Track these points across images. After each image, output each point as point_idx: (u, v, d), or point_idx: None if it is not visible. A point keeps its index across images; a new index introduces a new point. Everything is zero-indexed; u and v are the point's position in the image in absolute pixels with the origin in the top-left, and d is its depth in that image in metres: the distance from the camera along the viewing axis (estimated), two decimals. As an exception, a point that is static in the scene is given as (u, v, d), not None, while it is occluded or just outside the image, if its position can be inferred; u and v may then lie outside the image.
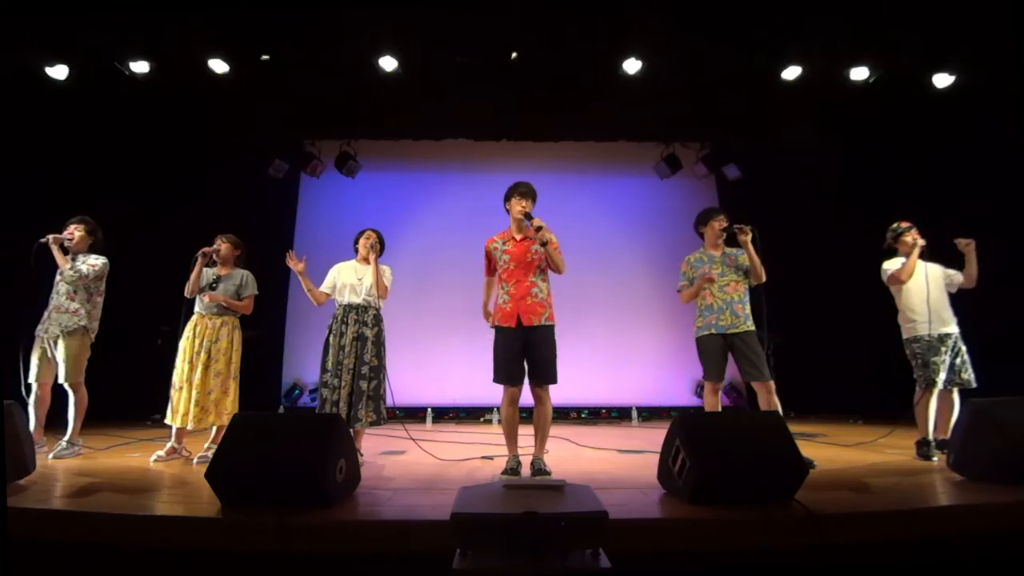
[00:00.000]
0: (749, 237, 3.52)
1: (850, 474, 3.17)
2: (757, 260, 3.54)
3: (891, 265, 3.83)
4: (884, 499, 2.61)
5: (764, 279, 3.58)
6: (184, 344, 3.70)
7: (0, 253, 4.30)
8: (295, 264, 3.71)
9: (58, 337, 3.77)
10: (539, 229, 3.19)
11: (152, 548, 2.15)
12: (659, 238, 6.78)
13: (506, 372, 3.20)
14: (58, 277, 3.87)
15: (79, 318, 3.81)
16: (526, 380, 3.25)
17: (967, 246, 3.70)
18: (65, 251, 3.84)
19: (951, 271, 3.82)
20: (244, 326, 3.92)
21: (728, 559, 2.14)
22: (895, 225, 3.88)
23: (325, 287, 3.79)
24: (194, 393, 3.59)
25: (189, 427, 3.59)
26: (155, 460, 3.54)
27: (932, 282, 3.72)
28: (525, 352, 3.21)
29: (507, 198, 3.42)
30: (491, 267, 3.45)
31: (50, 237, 3.78)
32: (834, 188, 6.58)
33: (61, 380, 3.78)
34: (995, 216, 5.04)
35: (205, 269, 3.79)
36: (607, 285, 7.00)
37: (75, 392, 3.79)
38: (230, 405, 3.69)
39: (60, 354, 3.76)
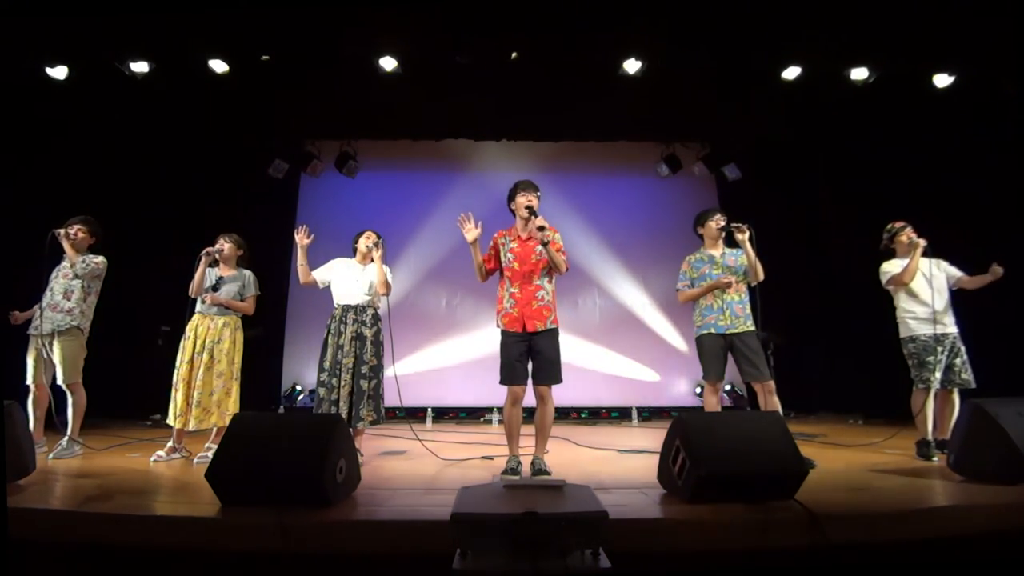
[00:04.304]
0: (747, 236, 3.51)
1: (850, 474, 3.17)
2: (755, 259, 3.54)
3: (890, 267, 3.80)
4: (884, 499, 2.61)
5: (762, 278, 3.57)
6: (185, 344, 3.69)
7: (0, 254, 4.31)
8: (302, 239, 3.70)
9: (52, 337, 3.77)
10: (541, 229, 3.12)
11: (152, 548, 2.15)
12: (659, 238, 6.78)
13: (511, 374, 3.18)
14: (53, 275, 3.87)
15: (72, 317, 3.81)
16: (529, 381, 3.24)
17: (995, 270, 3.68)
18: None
19: (952, 269, 3.80)
20: (246, 325, 3.92)
21: (728, 559, 2.14)
22: (889, 226, 3.87)
23: (317, 273, 3.79)
24: (195, 394, 3.59)
25: (191, 427, 3.58)
26: (155, 460, 3.54)
27: (933, 280, 3.71)
28: (530, 354, 3.21)
29: (511, 197, 3.37)
30: (492, 258, 3.34)
31: (60, 231, 3.81)
32: (834, 188, 6.59)
33: (59, 381, 3.78)
34: (995, 216, 5.06)
35: (208, 269, 3.78)
36: (607, 285, 7.00)
37: (73, 393, 3.80)
38: (232, 405, 3.68)
39: (56, 356, 3.76)
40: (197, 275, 3.69)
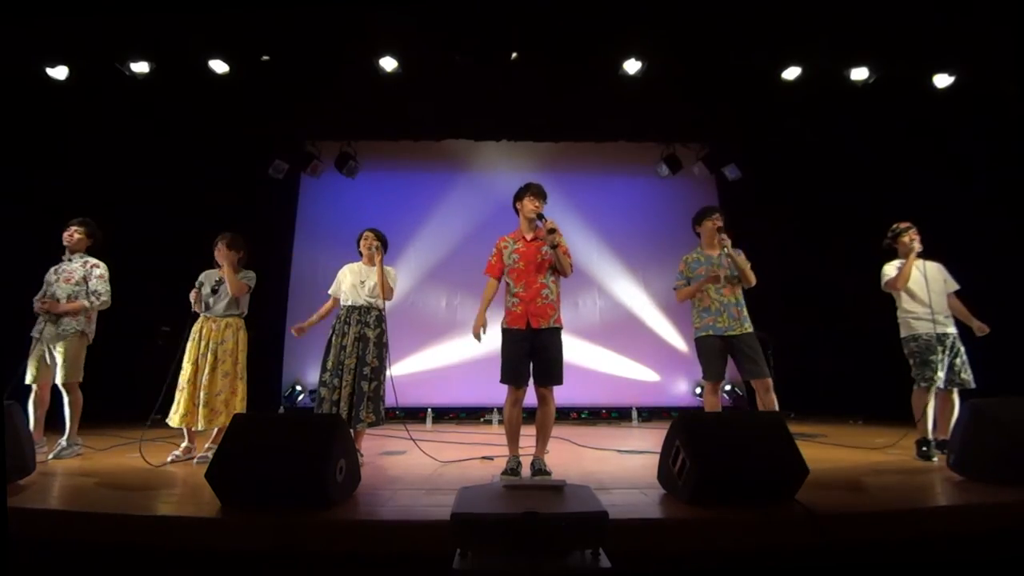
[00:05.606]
0: (728, 244, 3.56)
1: (850, 474, 3.17)
2: (745, 265, 3.59)
3: (890, 270, 3.85)
4: (884, 499, 2.62)
5: (754, 283, 3.61)
6: (189, 346, 3.70)
7: (1, 254, 4.30)
8: (297, 332, 3.86)
9: (55, 339, 3.76)
10: (552, 231, 3.16)
11: (152, 548, 2.15)
12: (659, 238, 6.78)
13: (513, 373, 3.18)
14: (55, 279, 3.86)
15: (76, 323, 3.80)
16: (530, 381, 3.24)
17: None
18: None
19: (951, 280, 3.83)
20: (249, 326, 3.92)
21: (728, 559, 2.14)
22: (895, 225, 3.90)
23: (332, 291, 3.85)
24: (202, 394, 3.59)
25: (200, 427, 3.59)
26: (171, 461, 3.53)
27: (931, 281, 3.73)
28: (532, 354, 3.20)
29: (519, 197, 3.38)
30: (496, 266, 3.37)
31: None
32: (834, 187, 6.58)
33: (58, 381, 3.77)
34: (995, 216, 5.05)
35: (208, 271, 3.83)
36: (607, 285, 7.00)
37: (70, 393, 3.78)
38: (239, 404, 3.69)
39: (59, 356, 3.75)
40: (192, 296, 3.74)
